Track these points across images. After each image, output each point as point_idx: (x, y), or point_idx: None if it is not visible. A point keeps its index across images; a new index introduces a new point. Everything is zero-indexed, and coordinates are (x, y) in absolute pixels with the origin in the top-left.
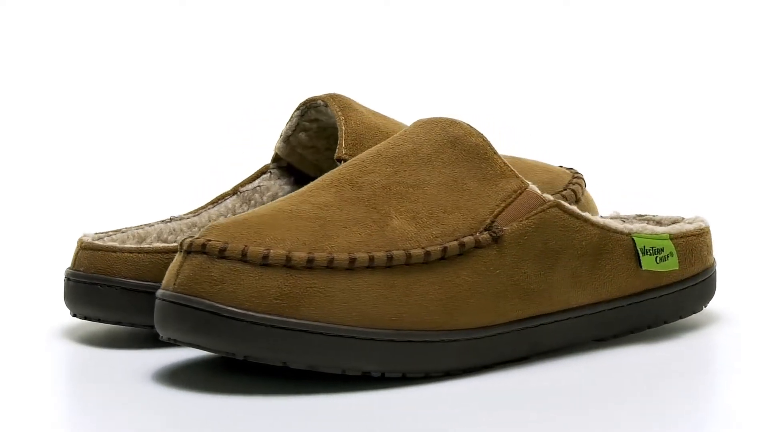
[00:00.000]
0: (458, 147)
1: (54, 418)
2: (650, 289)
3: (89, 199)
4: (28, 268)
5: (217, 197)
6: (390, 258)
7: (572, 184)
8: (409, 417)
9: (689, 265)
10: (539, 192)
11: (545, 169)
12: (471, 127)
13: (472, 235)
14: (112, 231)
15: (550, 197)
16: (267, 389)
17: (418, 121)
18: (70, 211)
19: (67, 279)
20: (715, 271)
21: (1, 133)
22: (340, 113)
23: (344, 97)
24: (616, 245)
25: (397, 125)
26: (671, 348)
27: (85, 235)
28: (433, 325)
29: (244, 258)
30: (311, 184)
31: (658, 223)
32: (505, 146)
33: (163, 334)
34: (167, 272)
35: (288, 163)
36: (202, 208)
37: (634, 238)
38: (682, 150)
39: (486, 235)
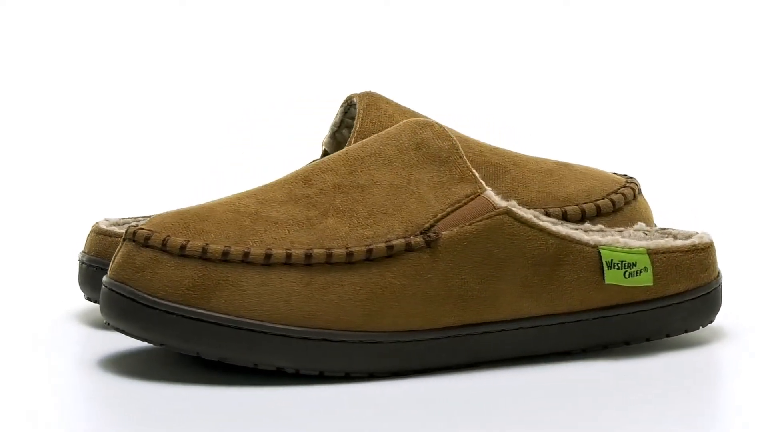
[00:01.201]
0: (422, 150)
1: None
2: (622, 305)
3: (88, 195)
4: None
5: None
6: (309, 256)
7: (615, 194)
8: (313, 415)
9: (672, 283)
10: (494, 198)
11: (593, 176)
12: (443, 129)
13: (404, 237)
14: (142, 217)
15: (502, 204)
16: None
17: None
18: (80, 203)
19: (78, 261)
20: (714, 290)
21: (52, 126)
22: (361, 112)
23: (375, 95)
24: (578, 257)
25: None
26: (645, 364)
27: (105, 220)
28: (350, 326)
29: (164, 247)
30: (277, 179)
31: (675, 237)
32: (562, 151)
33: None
34: None
35: None
36: None
37: (601, 251)
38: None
39: (419, 238)
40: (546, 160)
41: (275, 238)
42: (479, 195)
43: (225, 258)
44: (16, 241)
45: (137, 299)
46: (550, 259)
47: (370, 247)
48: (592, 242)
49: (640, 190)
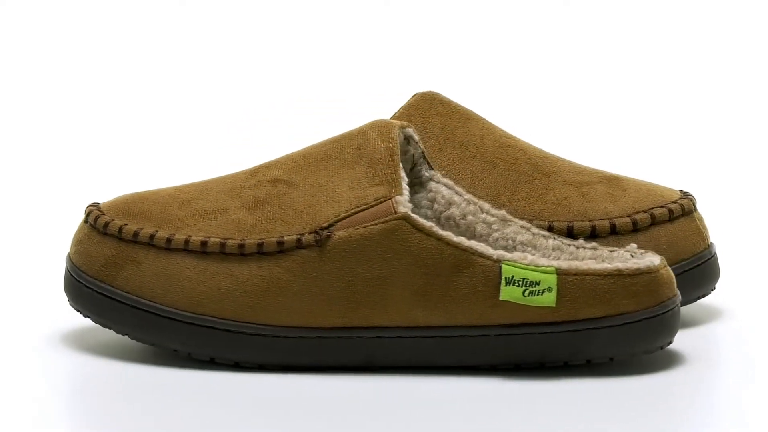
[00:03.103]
0: (361, 150)
1: None
2: (528, 324)
3: (87, 194)
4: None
5: None
6: (204, 244)
7: (643, 212)
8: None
9: (584, 307)
10: (398, 204)
11: (633, 192)
12: (390, 130)
13: (300, 234)
14: None
15: (404, 210)
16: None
17: None
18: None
19: None
20: (648, 319)
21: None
22: (398, 111)
23: (429, 95)
24: (478, 270)
25: (472, 127)
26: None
27: None
28: (234, 316)
29: (94, 225)
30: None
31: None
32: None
33: None
34: None
35: None
36: None
37: (503, 266)
38: None
39: (311, 236)
40: (594, 172)
41: (187, 225)
42: (386, 200)
43: (135, 239)
44: (16, 238)
45: (70, 272)
46: (446, 270)
47: (261, 240)
48: (495, 256)
49: (688, 212)
